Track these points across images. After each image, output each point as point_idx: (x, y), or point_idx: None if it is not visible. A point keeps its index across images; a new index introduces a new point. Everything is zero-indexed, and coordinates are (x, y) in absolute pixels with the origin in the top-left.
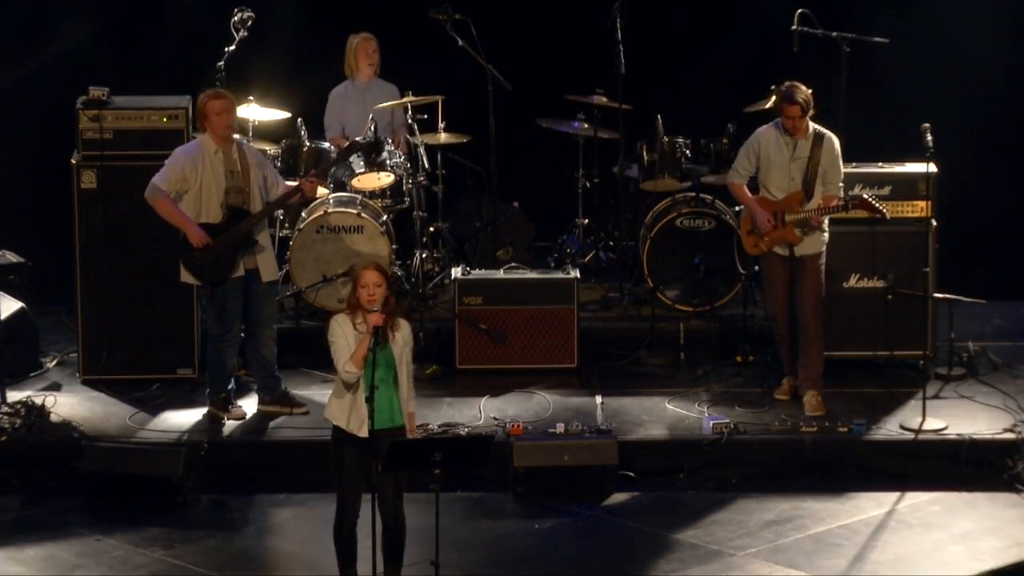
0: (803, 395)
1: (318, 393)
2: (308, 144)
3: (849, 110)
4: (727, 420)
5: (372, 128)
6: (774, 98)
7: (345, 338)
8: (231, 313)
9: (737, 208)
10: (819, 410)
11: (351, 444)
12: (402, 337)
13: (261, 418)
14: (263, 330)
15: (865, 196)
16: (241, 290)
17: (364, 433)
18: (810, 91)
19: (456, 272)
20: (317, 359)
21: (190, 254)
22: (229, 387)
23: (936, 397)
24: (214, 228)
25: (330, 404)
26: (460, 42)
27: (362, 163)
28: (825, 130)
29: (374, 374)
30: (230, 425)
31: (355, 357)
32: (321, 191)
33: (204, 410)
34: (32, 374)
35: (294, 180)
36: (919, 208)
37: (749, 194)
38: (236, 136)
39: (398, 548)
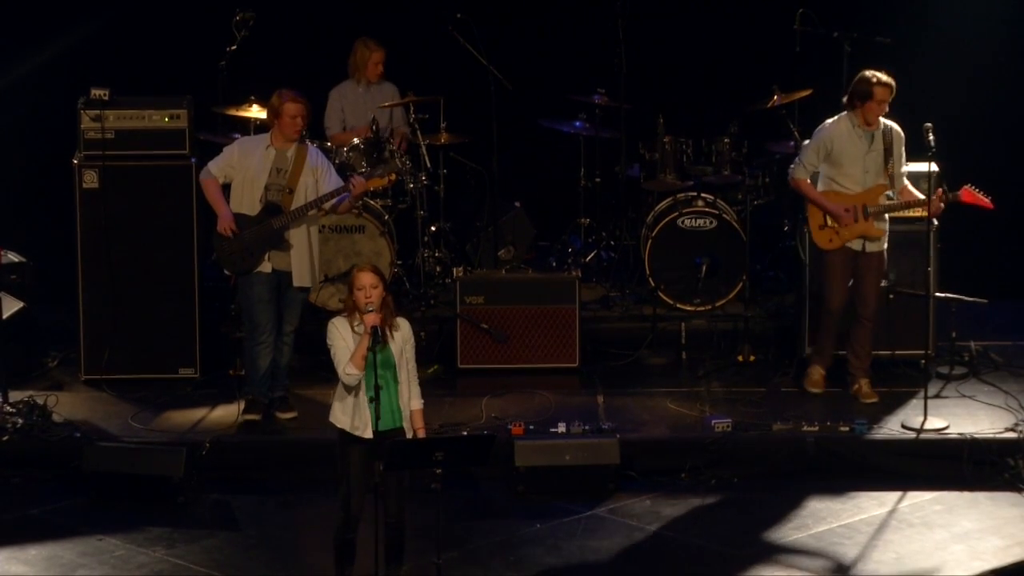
0: (855, 384)
1: (319, 393)
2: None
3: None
4: (729, 419)
5: (374, 127)
6: (858, 88)
7: (344, 340)
8: (257, 310)
9: (738, 207)
10: (873, 396)
11: (355, 446)
12: (401, 336)
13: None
14: (280, 336)
15: (968, 187)
16: (269, 289)
17: (368, 434)
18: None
19: (458, 272)
20: (318, 359)
21: (218, 240)
22: (261, 391)
23: (938, 396)
24: (247, 219)
25: (333, 407)
26: (461, 41)
27: (364, 163)
28: (886, 119)
29: (376, 375)
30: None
31: (355, 358)
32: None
33: (208, 409)
34: (34, 374)
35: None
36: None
37: (816, 190)
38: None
39: (399, 548)
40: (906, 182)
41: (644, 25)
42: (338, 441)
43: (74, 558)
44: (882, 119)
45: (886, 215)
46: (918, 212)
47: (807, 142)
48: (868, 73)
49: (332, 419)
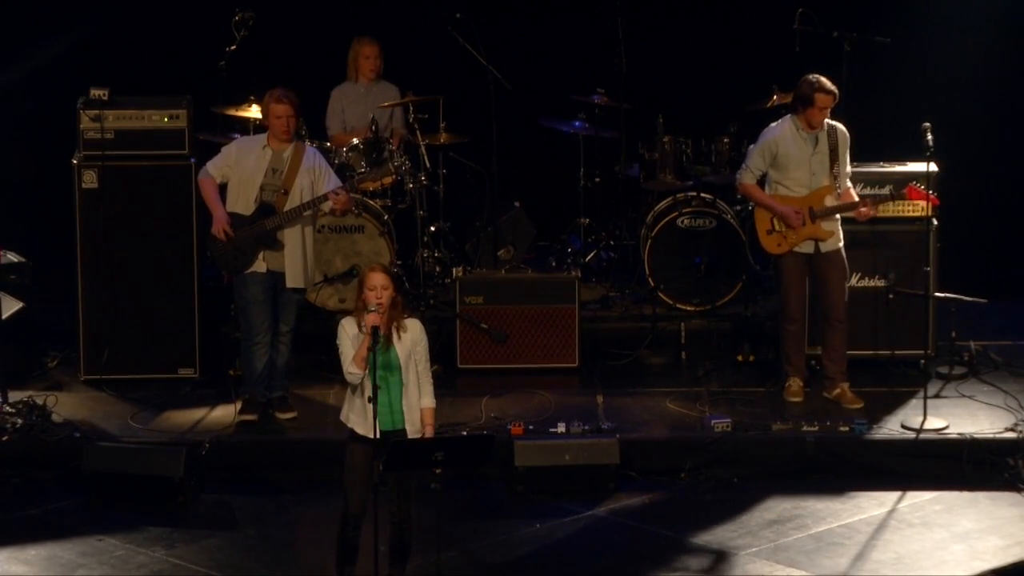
0: (836, 389)
1: (319, 393)
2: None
3: (850, 109)
4: (728, 419)
5: (373, 128)
6: (801, 91)
7: (350, 340)
8: (252, 310)
9: (738, 207)
10: (859, 402)
11: (359, 445)
12: (411, 337)
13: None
14: (277, 336)
15: (912, 184)
16: (264, 289)
17: (370, 434)
18: None
19: (457, 271)
20: (318, 359)
21: (212, 239)
22: (258, 391)
23: (937, 396)
24: (241, 219)
25: (344, 406)
26: (461, 41)
27: (364, 163)
28: (830, 120)
29: (375, 375)
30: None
31: (356, 358)
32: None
33: (208, 408)
34: (33, 374)
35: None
36: (920, 207)
37: (765, 193)
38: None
39: (404, 548)
40: (848, 184)
41: (644, 25)
42: (347, 440)
43: (74, 558)
44: (826, 120)
45: (836, 216)
46: (917, 211)
47: (752, 146)
48: (812, 78)
49: (342, 417)
